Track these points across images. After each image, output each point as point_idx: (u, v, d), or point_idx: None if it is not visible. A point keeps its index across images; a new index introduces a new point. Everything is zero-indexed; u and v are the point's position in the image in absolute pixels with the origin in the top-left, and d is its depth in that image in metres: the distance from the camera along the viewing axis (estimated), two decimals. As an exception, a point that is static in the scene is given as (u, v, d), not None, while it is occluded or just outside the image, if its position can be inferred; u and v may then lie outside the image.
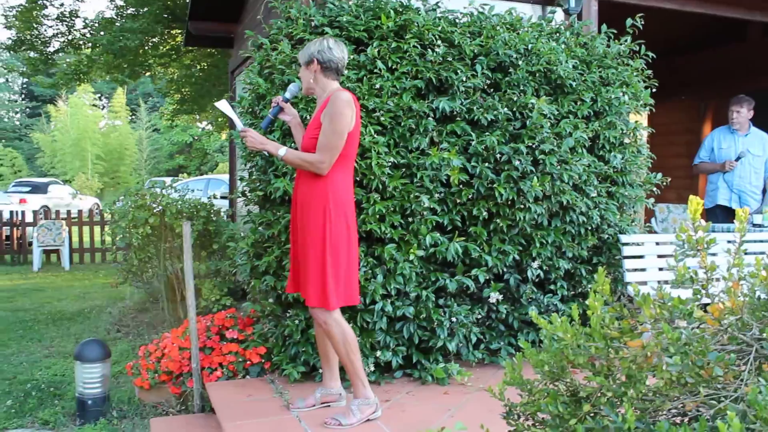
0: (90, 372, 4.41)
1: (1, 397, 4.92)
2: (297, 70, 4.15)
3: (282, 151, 3.34)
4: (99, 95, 45.25)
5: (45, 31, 13.65)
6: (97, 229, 13.34)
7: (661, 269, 4.84)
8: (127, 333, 6.79)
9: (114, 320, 7.41)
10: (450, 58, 4.35)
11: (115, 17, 13.19)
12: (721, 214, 6.27)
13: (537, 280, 4.54)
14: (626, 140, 4.98)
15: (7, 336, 6.87)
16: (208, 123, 22.52)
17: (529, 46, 4.56)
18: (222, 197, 8.14)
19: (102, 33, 12.66)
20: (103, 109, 44.78)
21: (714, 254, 1.80)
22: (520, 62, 4.51)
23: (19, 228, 13.19)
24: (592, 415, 1.86)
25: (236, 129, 3.62)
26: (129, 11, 12.90)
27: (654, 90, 5.09)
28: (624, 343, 1.76)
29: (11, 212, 13.33)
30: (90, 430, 4.21)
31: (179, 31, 12.74)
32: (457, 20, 4.64)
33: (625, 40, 5.08)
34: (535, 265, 4.45)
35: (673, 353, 1.58)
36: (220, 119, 16.01)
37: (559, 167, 4.40)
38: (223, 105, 3.54)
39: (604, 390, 1.79)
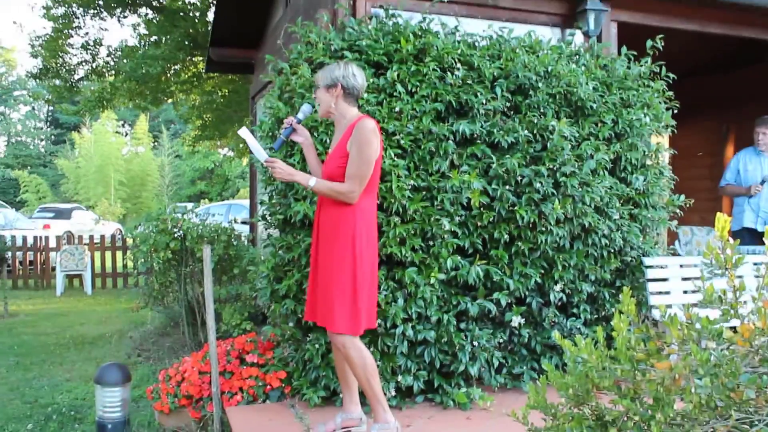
0: (110, 396, 4.40)
1: (22, 421, 4.93)
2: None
3: (312, 182, 3.33)
4: (122, 122, 45.84)
5: (70, 59, 13.88)
6: (119, 254, 13.43)
7: (685, 292, 4.77)
8: (147, 357, 6.79)
9: (135, 344, 7.42)
10: (470, 81, 4.35)
11: (138, 45, 13.40)
12: (748, 237, 6.19)
13: (559, 303, 4.49)
14: (648, 162, 4.94)
15: (29, 360, 6.90)
16: (229, 149, 22.70)
17: (549, 68, 4.55)
18: (243, 222, 8.16)
19: (125, 60, 12.84)
20: (125, 135, 45.29)
21: (740, 276, 1.76)
22: (540, 84, 4.49)
23: (43, 253, 13.31)
24: (618, 439, 1.82)
25: (253, 155, 3.62)
26: (152, 39, 13.09)
27: (675, 111, 5.05)
28: (651, 365, 1.72)
29: (35, 237, 13.46)
30: (110, 455, 4.19)
31: (201, 57, 12.89)
32: (476, 43, 4.65)
33: (646, 62, 5.05)
34: (557, 288, 4.40)
35: (703, 375, 1.54)
36: (241, 145, 16.13)
37: (580, 189, 4.37)
38: (245, 133, 3.54)
39: (631, 413, 1.75)
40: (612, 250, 4.62)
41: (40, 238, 13.52)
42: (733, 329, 1.72)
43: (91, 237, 13.26)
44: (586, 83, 4.62)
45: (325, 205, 3.44)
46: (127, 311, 9.97)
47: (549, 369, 1.93)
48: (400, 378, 4.05)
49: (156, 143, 42.38)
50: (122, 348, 7.32)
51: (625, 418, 1.81)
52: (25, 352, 7.23)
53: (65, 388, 5.77)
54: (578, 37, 5.44)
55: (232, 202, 17.25)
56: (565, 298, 4.48)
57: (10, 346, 7.53)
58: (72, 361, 6.84)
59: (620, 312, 1.82)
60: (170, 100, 15.58)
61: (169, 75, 13.43)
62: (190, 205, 6.82)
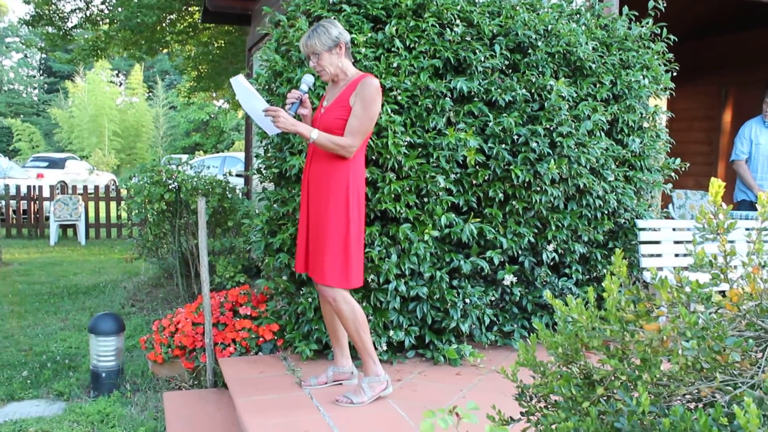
0: (104, 345, 4.44)
1: (17, 368, 4.98)
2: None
3: (314, 134, 3.30)
4: (116, 72, 45.34)
5: (63, 6, 13.67)
6: (113, 204, 13.42)
7: (677, 255, 4.81)
8: (141, 308, 6.83)
9: (128, 295, 7.47)
10: (468, 38, 4.31)
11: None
12: (748, 208, 6.17)
13: (552, 263, 4.52)
14: (645, 124, 4.93)
15: (24, 308, 6.94)
16: (224, 101, 22.53)
17: (549, 27, 4.51)
18: (237, 175, 8.14)
19: (120, 9, 12.66)
20: (120, 85, 44.85)
21: (732, 241, 1.78)
22: (539, 43, 4.46)
23: (37, 202, 13.29)
24: (605, 398, 1.85)
25: (244, 107, 3.57)
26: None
27: (674, 74, 5.02)
28: (640, 327, 1.74)
29: (29, 187, 13.43)
30: (103, 402, 4.24)
31: (197, 8, 12.70)
32: (476, 0, 4.59)
33: (647, 23, 5.00)
34: (550, 248, 4.43)
35: (690, 338, 1.56)
36: (236, 97, 16.01)
37: (576, 150, 4.37)
38: (241, 81, 3.46)
39: (618, 373, 1.77)
40: (606, 212, 4.63)
41: (34, 187, 13.49)
42: (722, 293, 1.73)
43: (85, 187, 13.24)
44: (586, 43, 4.58)
45: (317, 158, 3.43)
46: (120, 262, 10.01)
47: (539, 328, 1.96)
48: (391, 333, 4.09)
49: (151, 94, 42.03)
50: (116, 298, 7.36)
51: (612, 378, 1.83)
52: (19, 301, 7.27)
53: (59, 337, 5.82)
54: (580, -4, 5.38)
55: (226, 155, 17.19)
56: (557, 258, 4.51)
57: (4, 294, 7.57)
58: (66, 310, 6.88)
59: (611, 273, 1.83)
60: (165, 51, 15.42)
61: (164, 25, 13.25)
62: (184, 157, 6.80)
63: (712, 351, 1.55)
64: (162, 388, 4.48)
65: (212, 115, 38.01)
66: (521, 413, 2.13)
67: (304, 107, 3.54)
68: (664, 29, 5.01)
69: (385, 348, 4.08)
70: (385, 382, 3.52)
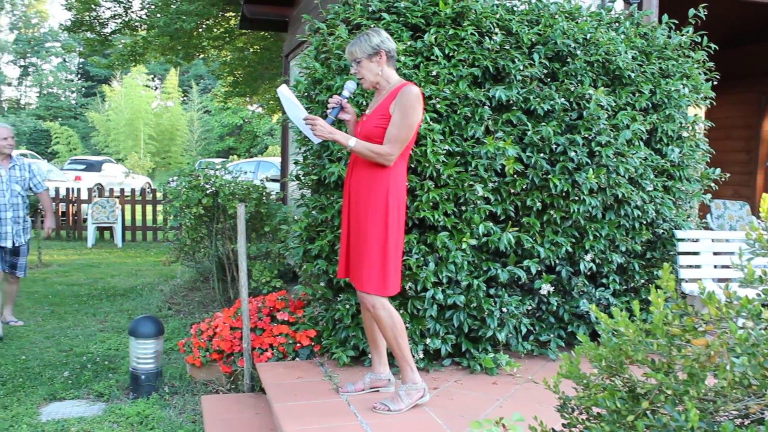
0: (144, 348, 4.51)
1: (59, 368, 5.08)
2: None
3: (352, 142, 3.33)
4: (152, 76, 45.95)
5: (102, 12, 13.90)
6: (148, 207, 13.59)
7: (716, 267, 4.75)
8: (177, 311, 6.92)
9: (165, 298, 7.57)
10: (507, 47, 4.31)
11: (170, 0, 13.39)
12: None
13: (589, 273, 4.50)
14: (684, 134, 4.89)
15: (64, 309, 7.07)
16: (258, 105, 22.72)
17: (588, 35, 4.50)
18: (272, 180, 8.22)
19: (158, 15, 12.85)
20: (155, 89, 45.44)
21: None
22: (578, 52, 4.45)
23: (75, 205, 13.51)
24: (650, 412, 1.85)
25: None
26: (185, -7, 13.07)
27: (715, 83, 4.98)
28: (686, 341, 1.74)
29: (67, 189, 13.66)
30: (143, 404, 4.31)
31: (233, 14, 12.85)
32: (515, 8, 4.59)
33: (687, 31, 4.97)
34: (587, 258, 4.41)
35: (740, 354, 1.56)
36: (271, 102, 16.14)
37: (615, 160, 4.35)
38: (285, 90, 3.52)
39: (664, 388, 1.77)
40: (644, 222, 4.60)
41: (72, 189, 13.72)
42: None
43: (122, 190, 13.43)
44: (625, 52, 4.56)
45: (358, 166, 3.46)
46: (156, 264, 10.14)
47: (583, 339, 1.96)
48: (428, 341, 4.10)
49: (186, 98, 42.48)
50: (153, 301, 7.46)
51: (657, 392, 1.83)
52: (59, 302, 7.40)
53: (99, 338, 5.92)
54: (618, 4, 5.36)
55: (260, 159, 17.32)
56: (594, 268, 4.48)
57: (44, 295, 7.70)
58: (105, 312, 6.99)
59: (657, 287, 1.83)
60: (201, 56, 15.61)
61: (201, 30, 13.42)
62: (218, 161, 6.87)
63: (763, 367, 1.54)
64: (200, 392, 4.53)
65: (246, 120, 38.34)
66: (563, 425, 2.13)
67: (345, 113, 3.57)
68: (705, 38, 4.96)
69: (421, 356, 4.10)
70: (423, 389, 3.53)
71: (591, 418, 2.08)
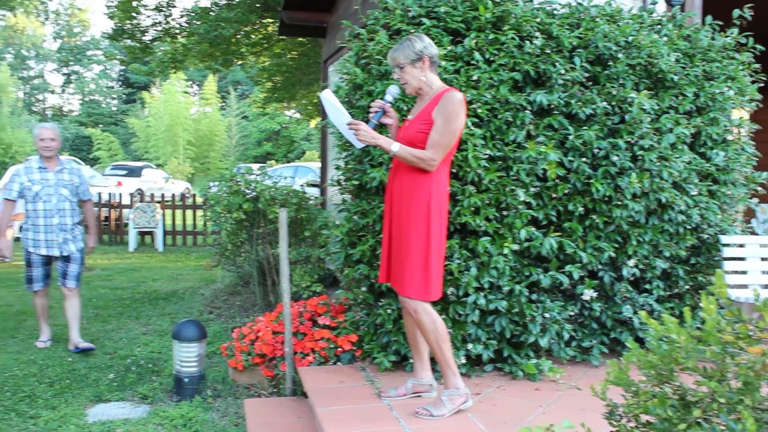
0: (187, 351, 4.56)
1: (104, 370, 5.16)
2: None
3: (395, 147, 3.34)
4: (191, 82, 46.54)
5: (143, 20, 14.14)
6: (188, 212, 13.75)
7: (764, 272, 4.67)
8: (219, 315, 6.99)
9: (206, 302, 7.65)
10: (548, 50, 4.29)
11: (210, 7, 13.56)
12: None
13: (632, 278, 4.45)
14: (729, 137, 4.80)
15: (107, 312, 7.19)
16: (295, 111, 22.89)
17: (630, 38, 4.45)
18: (311, 185, 8.26)
19: (198, 22, 13.02)
20: (194, 96, 46.00)
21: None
22: (620, 55, 4.41)
23: (116, 210, 13.74)
24: (702, 420, 1.82)
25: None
26: (224, 1, 13.23)
27: (761, 84, 4.89)
28: (740, 349, 1.71)
29: (109, 194, 13.90)
30: (186, 407, 4.36)
31: (271, 20, 12.97)
32: (555, 11, 4.57)
33: (732, 32, 4.89)
34: (630, 263, 4.36)
35: (798, 362, 1.53)
36: (308, 108, 16.25)
37: (658, 164, 4.29)
38: (328, 95, 3.54)
39: (717, 396, 1.75)
40: (688, 227, 4.53)
41: (114, 195, 13.95)
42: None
43: (162, 195, 13.61)
44: (668, 54, 4.51)
45: (401, 171, 3.47)
46: (197, 269, 10.26)
47: (632, 346, 1.94)
48: (470, 346, 4.09)
49: (223, 104, 42.94)
50: (194, 305, 7.55)
51: (710, 400, 1.80)
52: (103, 305, 7.52)
53: (142, 341, 6.00)
54: (661, 6, 5.29)
55: (298, 164, 17.45)
56: (638, 274, 4.43)
57: (88, 298, 7.83)
58: (147, 315, 7.09)
59: (709, 293, 1.81)
60: (240, 62, 15.78)
61: (239, 37, 13.58)
62: (256, 167, 6.94)
63: (820, 376, 1.52)
64: (242, 395, 4.57)
65: (283, 125, 38.63)
66: (611, 432, 2.11)
67: (388, 117, 3.58)
68: (750, 39, 4.88)
69: (463, 361, 4.08)
70: (465, 395, 3.52)
71: (640, 426, 2.06)
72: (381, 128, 3.74)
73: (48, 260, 5.82)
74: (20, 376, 5.06)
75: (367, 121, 3.45)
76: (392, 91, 3.56)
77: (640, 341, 4.20)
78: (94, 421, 4.23)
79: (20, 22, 52.06)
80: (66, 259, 5.78)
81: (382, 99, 3.58)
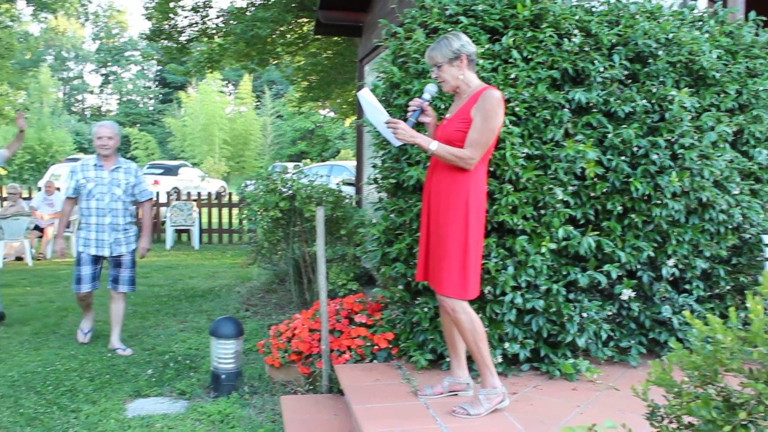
0: (224, 348, 4.61)
1: (142, 366, 5.24)
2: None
3: (433, 145, 3.34)
4: (226, 82, 47.01)
5: (180, 21, 14.32)
6: (224, 211, 13.88)
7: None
8: (255, 312, 7.05)
9: (242, 299, 7.72)
10: (587, 48, 4.26)
11: (246, 7, 13.68)
12: None
13: (671, 278, 4.39)
14: (773, 135, 4.72)
15: (145, 309, 7.29)
16: (330, 110, 22.98)
17: (670, 35, 4.40)
18: (347, 183, 8.28)
19: (234, 22, 13.15)
20: (229, 95, 46.46)
21: None
22: (660, 52, 4.35)
23: (154, 208, 13.91)
24: (746, 423, 1.80)
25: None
26: (260, 1, 13.34)
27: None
28: (788, 350, 1.68)
29: (147, 193, 14.07)
30: (223, 403, 4.40)
31: (306, 20, 13.05)
32: (593, 9, 4.53)
33: (776, 28, 4.80)
34: (670, 263, 4.30)
35: None
36: (344, 106, 16.30)
37: (699, 162, 4.23)
38: (366, 93, 3.55)
39: (764, 398, 1.72)
40: (730, 227, 4.46)
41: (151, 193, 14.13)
42: None
43: (198, 193, 13.76)
44: (710, 51, 4.44)
45: (438, 169, 3.47)
46: (232, 266, 10.36)
47: (676, 346, 1.92)
48: (506, 345, 4.07)
49: (258, 103, 43.28)
50: (230, 302, 7.62)
51: (755, 402, 1.78)
52: (141, 302, 7.63)
53: (180, 338, 6.08)
54: (702, 2, 5.22)
55: (333, 163, 17.51)
56: (677, 274, 4.37)
57: (127, 295, 7.93)
58: (184, 312, 7.18)
59: (755, 293, 1.78)
60: (275, 62, 15.90)
61: (275, 37, 13.68)
62: (291, 165, 6.98)
63: None
64: (278, 392, 4.60)
65: (318, 124, 38.83)
66: (653, 433, 2.09)
67: (426, 115, 3.58)
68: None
69: (500, 360, 4.07)
70: (502, 394, 3.50)
71: (682, 428, 2.03)
72: (419, 127, 3.74)
73: (97, 260, 5.70)
74: (62, 370, 5.15)
75: (405, 120, 3.45)
76: (430, 90, 3.56)
77: (678, 342, 4.15)
78: (134, 415, 4.30)
79: (61, 24, 53.03)
80: (117, 263, 5.70)
81: (420, 97, 3.58)
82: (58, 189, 12.34)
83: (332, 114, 24.55)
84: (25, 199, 12.47)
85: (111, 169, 5.62)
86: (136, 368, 5.20)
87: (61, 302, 7.63)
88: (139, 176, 5.82)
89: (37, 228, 11.36)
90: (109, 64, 58.40)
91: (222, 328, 4.63)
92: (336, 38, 13.22)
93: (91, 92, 60.62)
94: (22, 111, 6.61)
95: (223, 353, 4.61)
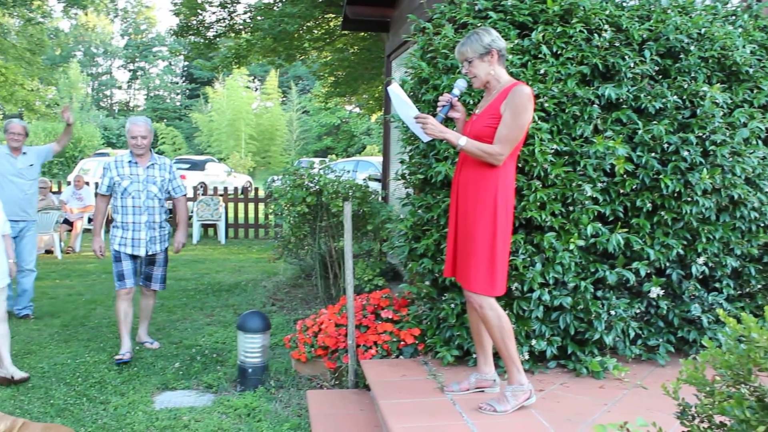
0: (251, 342, 4.63)
1: (170, 359, 5.28)
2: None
3: (462, 141, 3.33)
4: (252, 78, 47.25)
5: (208, 17, 14.40)
6: (250, 205, 13.95)
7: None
8: (281, 307, 7.08)
9: (268, 294, 7.76)
10: (617, 44, 4.22)
11: (274, 2, 13.72)
12: None
13: (701, 276, 4.34)
14: (807, 132, 4.64)
15: (173, 303, 7.35)
16: (356, 105, 23.01)
17: (703, 30, 4.34)
18: (374, 179, 8.28)
19: (260, 18, 13.20)
20: (256, 91, 46.67)
21: None
22: (691, 47, 4.30)
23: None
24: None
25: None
26: (287, -3, 13.38)
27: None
28: (824, 349, 1.66)
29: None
30: (250, 397, 4.43)
31: (333, 15, 13.06)
32: (624, 3, 4.49)
33: (813, 23, 4.72)
34: (700, 261, 4.25)
35: None
36: (370, 102, 16.30)
37: (731, 159, 4.18)
38: (396, 89, 3.55)
39: (799, 397, 1.70)
40: (761, 225, 4.40)
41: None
42: None
43: (225, 188, 13.84)
44: (743, 46, 4.38)
45: (467, 165, 3.45)
46: (258, 261, 10.41)
47: (709, 345, 1.89)
48: (533, 342, 4.05)
49: (285, 98, 43.42)
50: (256, 296, 7.66)
51: (790, 401, 1.75)
52: (168, 296, 7.69)
53: (206, 332, 6.12)
54: (735, -3, 5.15)
55: (359, 159, 17.53)
56: (707, 272, 4.32)
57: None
58: (211, 306, 7.23)
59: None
60: (302, 57, 15.94)
61: (302, 32, 13.71)
62: (317, 161, 7.00)
63: None
64: (304, 387, 4.62)
65: (344, 120, 38.89)
66: (684, 432, 2.06)
67: (456, 111, 3.57)
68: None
69: (526, 357, 4.05)
70: (529, 391, 3.49)
71: (713, 427, 2.01)
72: (448, 122, 3.73)
73: (135, 257, 5.51)
74: (90, 362, 5.21)
75: (434, 115, 3.44)
76: (460, 85, 3.54)
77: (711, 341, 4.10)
78: (161, 408, 4.33)
79: (90, 21, 53.61)
80: (151, 261, 5.57)
81: (449, 93, 3.56)
82: (87, 183, 12.50)
83: (358, 110, 24.59)
84: (54, 193, 12.66)
85: (146, 166, 5.45)
86: (163, 361, 5.25)
87: (89, 295, 7.73)
88: (173, 172, 5.65)
89: (66, 222, 11.51)
90: (137, 59, 58.95)
91: (249, 322, 4.65)
92: (363, 34, 13.22)
93: (119, 88, 61.23)
94: (68, 105, 6.54)
95: (250, 347, 4.63)
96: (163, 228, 5.56)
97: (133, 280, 5.45)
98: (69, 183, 11.84)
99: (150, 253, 5.48)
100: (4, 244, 4.79)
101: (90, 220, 12.32)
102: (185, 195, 5.76)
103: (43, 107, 16.20)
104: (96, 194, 5.68)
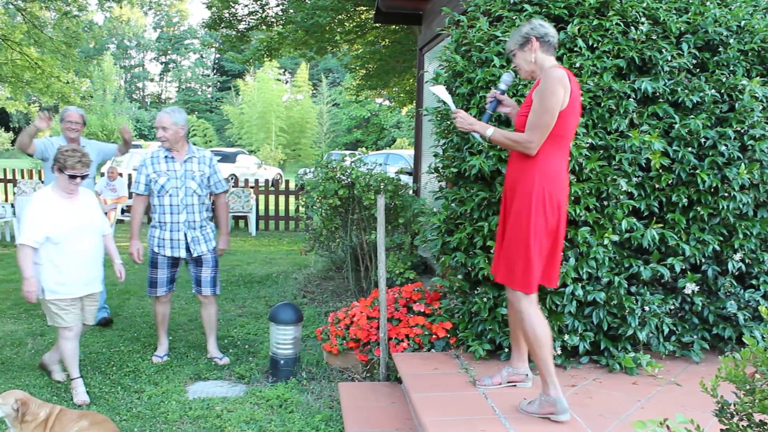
0: (283, 334, 4.66)
1: (202, 350, 5.34)
2: (494, 49, 4.14)
3: (490, 131, 3.28)
4: (283, 70, 47.42)
5: (240, 9, 14.46)
6: (281, 198, 14.00)
7: None
8: (312, 299, 7.11)
9: (300, 286, 7.79)
10: (654, 37, 4.17)
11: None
12: None
13: (737, 273, 4.28)
14: None
15: (205, 294, 7.41)
16: (386, 98, 22.99)
17: (742, 22, 4.28)
18: (404, 172, 8.25)
19: (292, 11, 13.23)
20: (286, 83, 46.84)
21: None
22: (730, 40, 4.24)
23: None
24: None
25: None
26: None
27: None
28: None
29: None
30: (282, 388, 4.46)
31: (365, 8, 13.04)
32: (662, -5, 4.43)
33: None
34: (736, 257, 4.20)
35: None
36: (401, 95, 16.28)
37: (770, 154, 4.12)
38: (439, 89, 3.56)
39: (843, 396, 1.67)
40: (800, 220, 4.33)
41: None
42: None
43: (256, 180, 13.92)
44: (784, 39, 4.31)
45: (511, 159, 3.38)
46: (289, 253, 10.46)
47: (750, 342, 1.87)
48: (566, 337, 4.03)
49: (315, 91, 43.53)
50: (288, 288, 7.71)
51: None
52: (201, 287, 7.76)
53: (238, 323, 6.18)
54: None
55: (389, 152, 17.54)
56: (744, 268, 4.26)
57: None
58: (243, 297, 7.29)
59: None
60: (333, 50, 15.95)
61: (333, 25, 13.72)
62: (347, 153, 7.01)
63: None
64: (335, 379, 4.65)
65: (374, 113, 38.89)
66: (722, 431, 2.04)
67: (505, 105, 3.54)
68: None
69: (559, 352, 4.04)
70: (555, 406, 3.27)
71: (753, 426, 1.99)
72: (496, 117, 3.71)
73: (175, 262, 5.14)
74: (125, 351, 5.29)
75: (482, 112, 3.41)
76: (505, 80, 3.50)
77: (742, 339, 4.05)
78: (194, 398, 4.39)
79: (124, 14, 54.16)
80: (197, 261, 5.13)
81: (495, 89, 3.53)
82: (120, 174, 12.64)
83: (388, 102, 24.55)
84: (88, 184, 12.80)
85: (183, 161, 5.00)
86: (195, 352, 5.31)
87: (123, 285, 7.80)
88: (214, 166, 5.19)
89: (100, 212, 11.65)
90: (169, 52, 59.49)
91: (281, 314, 4.68)
92: (394, 26, 13.19)
93: (152, 80, 61.85)
94: (126, 125, 6.21)
95: (282, 339, 4.67)
96: (205, 227, 5.15)
97: (165, 288, 5.14)
98: (102, 174, 11.98)
99: (195, 254, 5.07)
100: (103, 245, 4.68)
101: (123, 211, 12.47)
102: (227, 191, 5.35)
103: (78, 99, 16.38)
104: (130, 194, 5.57)
